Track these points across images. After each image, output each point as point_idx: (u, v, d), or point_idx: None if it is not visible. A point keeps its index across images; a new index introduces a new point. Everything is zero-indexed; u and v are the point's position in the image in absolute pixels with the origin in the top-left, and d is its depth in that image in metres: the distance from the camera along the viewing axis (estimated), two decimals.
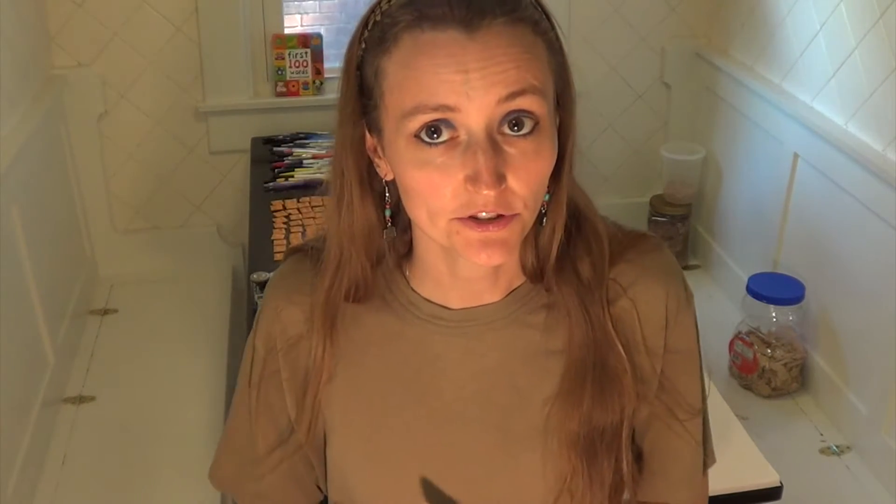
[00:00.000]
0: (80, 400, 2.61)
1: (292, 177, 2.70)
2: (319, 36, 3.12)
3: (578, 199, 0.89)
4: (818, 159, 2.54)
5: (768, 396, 2.61)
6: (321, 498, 1.02)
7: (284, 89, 3.13)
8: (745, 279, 2.67)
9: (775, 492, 1.51)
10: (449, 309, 0.90)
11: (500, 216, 0.77)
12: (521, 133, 0.76)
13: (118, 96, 3.06)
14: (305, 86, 3.13)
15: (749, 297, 2.62)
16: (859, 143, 2.37)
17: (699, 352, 0.94)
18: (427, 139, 0.76)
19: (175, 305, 3.06)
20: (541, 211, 0.84)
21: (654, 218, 3.25)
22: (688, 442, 0.94)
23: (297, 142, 2.94)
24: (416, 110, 0.75)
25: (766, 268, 2.79)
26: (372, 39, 0.79)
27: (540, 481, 0.89)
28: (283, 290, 0.95)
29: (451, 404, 0.90)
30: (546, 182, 0.80)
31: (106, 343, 2.88)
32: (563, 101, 0.84)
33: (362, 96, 0.82)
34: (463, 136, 0.76)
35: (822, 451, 2.42)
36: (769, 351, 2.58)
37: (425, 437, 0.90)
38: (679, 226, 3.24)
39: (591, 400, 0.87)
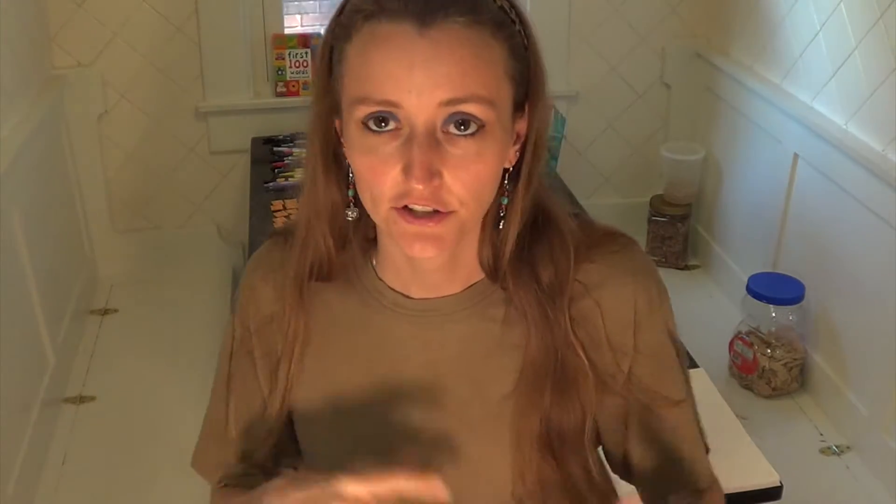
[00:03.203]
0: (80, 400, 2.61)
1: (292, 177, 2.70)
2: (319, 36, 3.11)
3: (546, 203, 0.90)
4: (818, 159, 2.54)
5: (768, 396, 2.61)
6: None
7: (284, 89, 3.13)
8: (745, 279, 2.67)
9: (775, 492, 1.51)
10: (411, 298, 0.91)
11: (435, 212, 0.79)
12: (464, 133, 0.77)
13: (118, 96, 3.06)
14: (305, 86, 3.13)
15: (749, 297, 2.62)
16: (859, 143, 2.37)
17: (676, 344, 0.93)
18: (373, 127, 0.78)
19: (175, 305, 3.06)
20: (499, 214, 0.86)
21: (654, 218, 3.25)
22: (678, 433, 0.93)
23: (297, 142, 2.94)
24: (362, 101, 0.77)
25: (766, 268, 2.79)
26: (340, 24, 0.81)
27: (499, 474, 0.90)
28: (257, 270, 0.97)
29: (410, 391, 0.91)
30: (489, 185, 0.81)
31: (106, 343, 2.88)
32: (529, 107, 0.84)
33: (330, 78, 0.84)
34: (406, 128, 0.77)
35: (822, 451, 2.42)
36: (769, 351, 2.58)
37: (386, 422, 0.92)
38: (679, 226, 3.24)
39: (550, 401, 0.87)
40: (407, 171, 0.76)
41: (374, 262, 0.93)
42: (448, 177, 0.77)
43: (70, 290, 2.87)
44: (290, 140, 2.96)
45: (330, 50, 0.83)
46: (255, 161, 2.87)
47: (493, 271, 0.89)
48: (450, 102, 0.76)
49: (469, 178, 0.78)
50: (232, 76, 3.09)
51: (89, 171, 3.09)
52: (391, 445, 0.92)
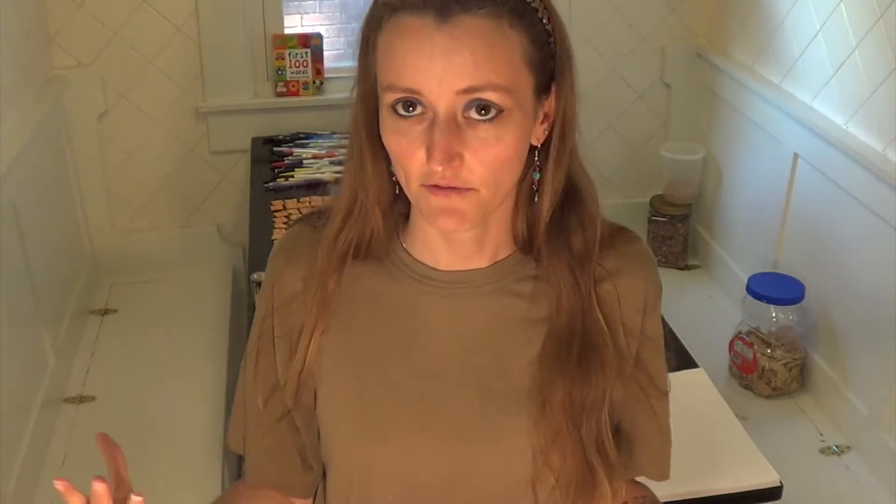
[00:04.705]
0: (80, 400, 2.61)
1: (292, 177, 2.70)
2: (319, 36, 3.12)
3: (580, 180, 0.95)
4: (818, 159, 2.54)
5: (768, 396, 2.61)
6: (306, 479, 1.03)
7: (284, 89, 3.13)
8: (745, 279, 2.67)
9: (775, 492, 1.51)
10: (439, 270, 0.95)
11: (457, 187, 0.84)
12: (485, 118, 0.83)
13: (118, 96, 3.06)
14: (305, 86, 3.13)
15: (749, 297, 2.62)
16: (859, 143, 2.37)
17: (664, 337, 1.01)
18: (401, 112, 0.84)
19: (175, 305, 3.06)
20: (533, 188, 0.92)
21: (654, 218, 3.25)
22: (657, 422, 1.01)
23: (297, 142, 2.94)
24: (389, 88, 0.84)
25: (766, 268, 2.79)
26: (372, 16, 0.87)
27: (519, 444, 0.92)
28: (283, 253, 1.00)
29: (434, 362, 0.94)
30: (508, 165, 0.86)
31: (106, 343, 2.88)
32: (556, 89, 0.89)
33: (367, 63, 0.89)
34: (430, 113, 0.83)
35: (822, 451, 2.42)
36: (769, 351, 2.58)
37: (409, 392, 0.94)
38: (679, 226, 3.24)
39: (574, 370, 0.91)
40: (429, 153, 0.82)
41: (402, 237, 0.97)
42: (469, 158, 0.83)
43: (70, 290, 2.87)
44: (290, 140, 2.96)
45: (366, 39, 0.89)
46: (255, 161, 2.87)
47: (526, 244, 0.95)
48: (467, 90, 0.81)
49: (489, 159, 0.83)
50: (232, 76, 3.09)
51: (89, 171, 3.09)
52: (414, 417, 0.93)
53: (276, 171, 2.74)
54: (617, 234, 0.98)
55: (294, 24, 3.31)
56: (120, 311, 3.06)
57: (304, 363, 0.96)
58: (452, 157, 0.82)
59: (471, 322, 0.94)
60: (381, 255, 0.97)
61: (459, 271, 0.95)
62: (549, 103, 0.89)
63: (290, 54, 3.10)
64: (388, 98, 0.84)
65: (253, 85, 3.15)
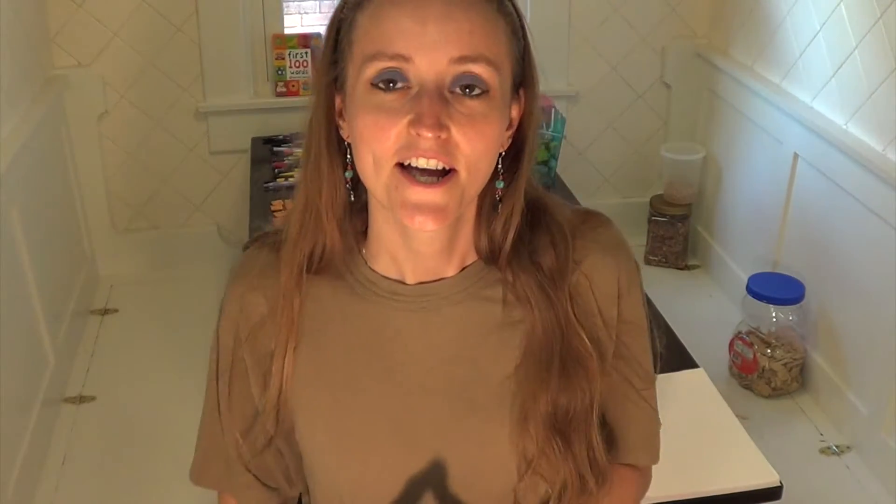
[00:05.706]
0: (80, 400, 2.61)
1: (292, 177, 2.70)
2: (319, 36, 3.12)
3: (536, 194, 0.93)
4: (818, 159, 2.54)
5: (768, 396, 2.61)
6: (293, 493, 1.03)
7: (284, 89, 3.13)
8: (745, 279, 2.67)
9: (775, 492, 1.50)
10: (406, 284, 0.92)
11: (440, 171, 0.80)
12: (471, 95, 0.81)
13: (118, 96, 3.06)
14: (305, 86, 3.13)
15: (749, 297, 2.62)
16: (859, 143, 2.37)
17: (649, 323, 0.98)
18: (381, 87, 0.81)
19: (175, 305, 3.06)
20: (496, 198, 0.89)
21: (654, 218, 3.25)
22: (645, 409, 0.99)
23: (297, 142, 2.94)
24: (375, 57, 0.80)
25: (766, 268, 2.79)
26: (351, 1, 0.85)
27: (507, 454, 0.91)
28: (243, 277, 0.97)
29: (413, 377, 0.92)
30: (490, 150, 0.83)
31: (106, 343, 2.88)
32: (525, 91, 0.88)
33: (335, 53, 0.86)
34: (415, 87, 0.80)
35: (822, 451, 2.42)
36: (769, 351, 2.58)
37: (391, 410, 0.92)
38: (679, 226, 3.24)
39: (557, 384, 0.89)
40: (416, 121, 0.79)
41: (364, 253, 0.94)
42: (455, 133, 0.80)
43: (70, 290, 2.87)
44: (290, 140, 2.96)
45: (338, 25, 0.86)
46: (255, 161, 2.87)
47: (489, 257, 0.92)
48: (460, 60, 0.79)
49: (475, 135, 0.81)
50: (232, 76, 3.09)
51: (89, 171, 3.09)
52: (398, 432, 0.92)
53: (276, 171, 2.74)
54: (582, 222, 0.95)
55: (294, 24, 3.32)
56: (120, 311, 3.06)
57: (281, 388, 0.93)
58: (442, 127, 0.79)
59: (445, 333, 0.92)
60: (343, 272, 0.94)
61: (427, 283, 0.92)
62: (516, 108, 0.88)
63: (290, 54, 3.10)
64: (370, 70, 0.80)
65: (253, 85, 3.16)
